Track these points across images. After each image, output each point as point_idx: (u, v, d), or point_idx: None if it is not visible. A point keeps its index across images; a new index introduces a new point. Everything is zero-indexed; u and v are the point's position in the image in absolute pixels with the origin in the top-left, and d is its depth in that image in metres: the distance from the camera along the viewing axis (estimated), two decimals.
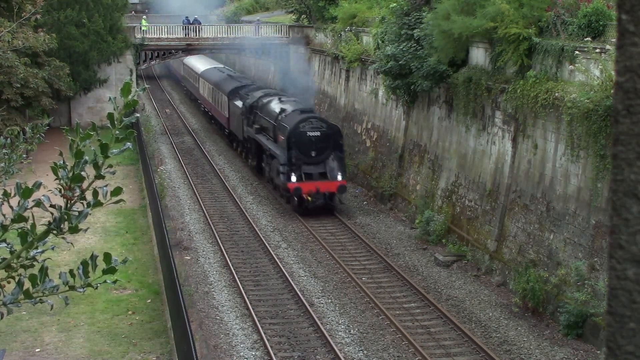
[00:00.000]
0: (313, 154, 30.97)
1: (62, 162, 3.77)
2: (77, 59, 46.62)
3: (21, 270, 4.02)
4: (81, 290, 3.97)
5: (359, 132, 37.75)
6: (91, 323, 20.09)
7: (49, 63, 42.55)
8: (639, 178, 1.74)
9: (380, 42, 32.73)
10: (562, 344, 18.99)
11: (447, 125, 28.52)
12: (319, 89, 44.36)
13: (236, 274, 24.08)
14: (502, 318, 20.82)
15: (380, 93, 34.91)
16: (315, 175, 30.84)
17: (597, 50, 19.63)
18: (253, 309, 21.25)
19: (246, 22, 60.71)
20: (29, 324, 19.80)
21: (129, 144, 3.78)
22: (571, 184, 20.80)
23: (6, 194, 4.75)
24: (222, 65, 56.85)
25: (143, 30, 49.74)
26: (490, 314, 21.11)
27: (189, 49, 50.28)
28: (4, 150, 5.98)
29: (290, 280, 23.44)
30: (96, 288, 3.98)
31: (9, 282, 4.18)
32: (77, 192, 3.73)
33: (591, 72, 19.99)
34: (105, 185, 3.77)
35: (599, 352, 18.20)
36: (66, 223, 3.73)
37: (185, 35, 49.35)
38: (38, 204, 3.78)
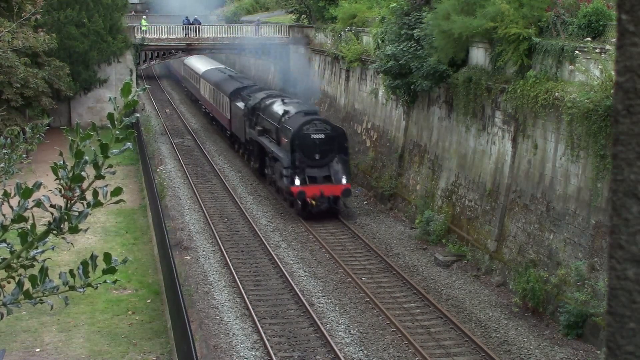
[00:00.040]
0: (317, 156, 30.40)
1: (62, 162, 3.77)
2: (77, 59, 46.63)
3: (21, 271, 4.02)
4: (81, 290, 3.97)
5: (359, 132, 37.75)
6: (91, 323, 20.09)
7: (49, 63, 42.56)
8: (639, 178, 1.74)
9: (380, 42, 32.73)
10: (562, 344, 18.99)
11: (447, 125, 28.52)
12: (319, 89, 44.34)
13: (236, 274, 24.08)
14: (502, 318, 20.82)
15: (380, 93, 34.91)
16: (320, 178, 30.27)
17: (597, 50, 19.63)
18: (253, 309, 21.25)
19: (246, 22, 60.70)
20: (29, 324, 19.80)
21: (129, 144, 3.78)
22: (571, 184, 20.80)
23: (6, 194, 4.76)
24: (223, 66, 56.55)
25: (143, 30, 49.75)
26: (490, 314, 21.11)
27: (189, 49, 50.28)
28: (4, 150, 5.98)
29: (290, 280, 23.45)
30: (96, 288, 3.98)
31: (9, 282, 4.18)
32: (77, 192, 3.72)
33: (591, 72, 19.99)
34: (105, 186, 3.77)
35: (599, 352, 18.20)
36: (66, 223, 3.73)
37: (185, 35, 49.35)
38: (38, 204, 3.78)
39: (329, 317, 21.02)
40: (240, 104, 39.35)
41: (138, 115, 4.02)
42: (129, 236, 27.88)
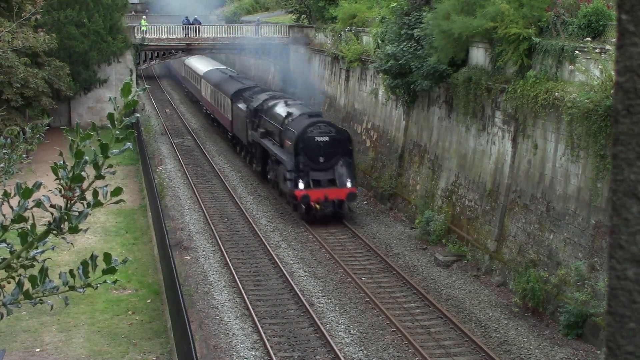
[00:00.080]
0: (321, 159, 29.83)
1: (62, 162, 3.77)
2: (77, 59, 46.64)
3: (21, 271, 4.02)
4: (81, 290, 3.97)
5: (359, 132, 37.74)
6: (91, 323, 20.09)
7: (49, 63, 42.57)
8: (639, 178, 1.74)
9: (380, 41, 32.73)
10: (562, 344, 18.99)
11: (447, 125, 28.52)
12: (319, 89, 44.36)
13: (236, 274, 24.08)
14: (502, 318, 20.82)
15: (380, 93, 34.91)
16: (324, 182, 29.74)
17: (597, 50, 19.63)
18: (253, 309, 21.25)
19: (246, 22, 60.70)
20: (29, 324, 19.80)
21: (129, 144, 3.78)
22: (571, 184, 20.80)
23: (6, 194, 4.76)
24: (224, 67, 56.20)
25: (143, 30, 49.75)
26: (490, 314, 21.11)
27: (189, 49, 50.28)
28: (4, 150, 5.98)
29: (290, 280, 23.45)
30: (96, 288, 3.98)
31: (9, 282, 4.18)
32: (77, 192, 3.73)
33: (591, 72, 19.99)
34: (105, 186, 3.77)
35: (599, 352, 18.20)
36: (66, 223, 3.73)
37: (185, 35, 49.36)
38: (38, 204, 3.78)
39: (329, 317, 21.02)
40: (242, 106, 38.87)
41: (138, 115, 4.02)
42: (129, 236, 27.88)
